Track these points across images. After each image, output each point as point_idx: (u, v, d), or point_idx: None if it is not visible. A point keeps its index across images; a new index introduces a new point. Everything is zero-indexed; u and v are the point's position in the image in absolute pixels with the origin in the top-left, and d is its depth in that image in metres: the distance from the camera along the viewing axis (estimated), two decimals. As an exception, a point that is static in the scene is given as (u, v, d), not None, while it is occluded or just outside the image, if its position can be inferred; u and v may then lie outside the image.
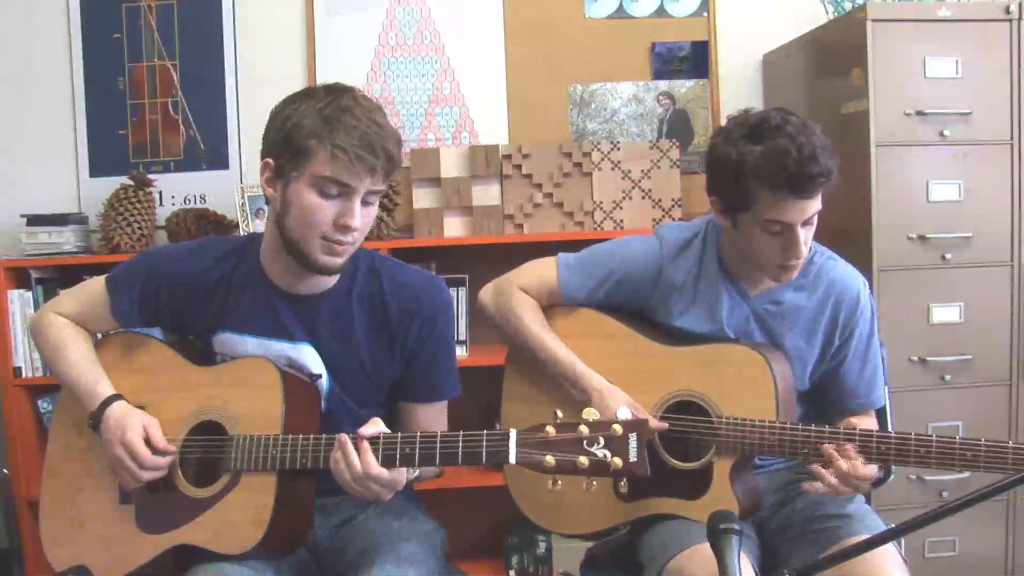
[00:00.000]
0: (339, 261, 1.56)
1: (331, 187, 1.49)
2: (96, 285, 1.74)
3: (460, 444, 1.44)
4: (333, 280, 1.65)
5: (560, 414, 1.40)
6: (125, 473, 1.59)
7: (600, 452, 1.35)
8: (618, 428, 1.35)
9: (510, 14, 3.09)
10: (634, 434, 1.35)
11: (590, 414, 1.38)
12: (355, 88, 1.55)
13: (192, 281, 1.67)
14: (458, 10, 3.09)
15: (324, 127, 1.47)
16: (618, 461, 1.34)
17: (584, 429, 1.36)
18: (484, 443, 1.42)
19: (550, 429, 1.37)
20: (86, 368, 1.68)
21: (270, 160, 1.54)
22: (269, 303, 1.65)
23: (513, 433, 1.39)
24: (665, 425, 1.74)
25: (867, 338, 1.81)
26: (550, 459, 1.36)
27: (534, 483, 1.84)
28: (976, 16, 2.49)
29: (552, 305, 1.88)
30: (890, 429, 1.89)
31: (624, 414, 1.37)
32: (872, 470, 1.62)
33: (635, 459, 1.34)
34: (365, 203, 1.53)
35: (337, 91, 1.53)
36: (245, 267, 1.67)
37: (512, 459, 1.38)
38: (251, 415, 1.58)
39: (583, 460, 1.35)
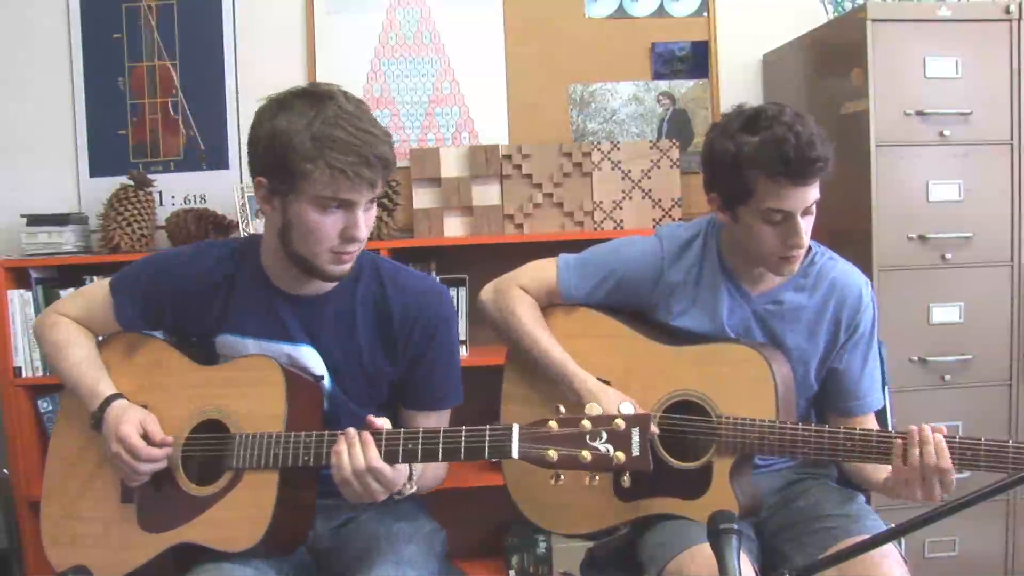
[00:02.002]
0: (347, 268, 1.57)
1: (332, 203, 1.49)
2: (100, 288, 1.74)
3: (463, 439, 1.44)
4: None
5: (563, 409, 1.40)
6: (124, 467, 1.59)
7: (603, 447, 1.35)
8: (620, 423, 1.36)
9: (510, 14, 3.09)
10: (636, 428, 1.35)
11: (592, 409, 1.38)
12: (335, 90, 1.51)
13: (194, 285, 1.67)
14: (458, 10, 3.09)
15: (316, 147, 1.44)
16: (621, 456, 1.35)
17: (587, 424, 1.36)
18: (487, 438, 1.42)
19: (553, 424, 1.38)
20: (88, 368, 1.68)
21: (263, 179, 1.52)
22: (270, 305, 1.65)
23: (516, 428, 1.39)
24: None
25: (868, 337, 1.81)
26: (552, 453, 1.36)
27: (534, 483, 1.85)
28: (976, 16, 2.50)
29: (552, 305, 1.88)
30: (890, 429, 1.89)
31: (627, 409, 1.37)
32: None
33: (638, 453, 1.35)
34: (366, 208, 1.53)
35: (318, 100, 1.47)
36: (246, 269, 1.67)
37: (515, 454, 1.38)
38: (254, 413, 1.58)
39: (586, 455, 1.35)
